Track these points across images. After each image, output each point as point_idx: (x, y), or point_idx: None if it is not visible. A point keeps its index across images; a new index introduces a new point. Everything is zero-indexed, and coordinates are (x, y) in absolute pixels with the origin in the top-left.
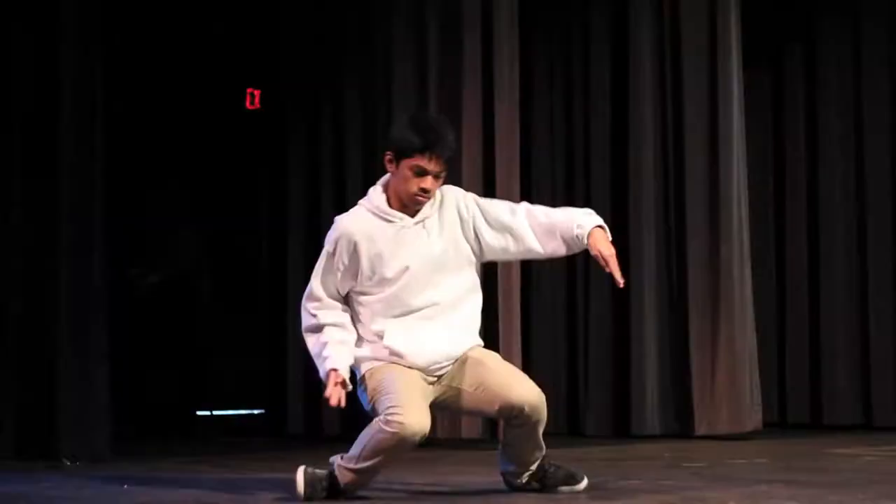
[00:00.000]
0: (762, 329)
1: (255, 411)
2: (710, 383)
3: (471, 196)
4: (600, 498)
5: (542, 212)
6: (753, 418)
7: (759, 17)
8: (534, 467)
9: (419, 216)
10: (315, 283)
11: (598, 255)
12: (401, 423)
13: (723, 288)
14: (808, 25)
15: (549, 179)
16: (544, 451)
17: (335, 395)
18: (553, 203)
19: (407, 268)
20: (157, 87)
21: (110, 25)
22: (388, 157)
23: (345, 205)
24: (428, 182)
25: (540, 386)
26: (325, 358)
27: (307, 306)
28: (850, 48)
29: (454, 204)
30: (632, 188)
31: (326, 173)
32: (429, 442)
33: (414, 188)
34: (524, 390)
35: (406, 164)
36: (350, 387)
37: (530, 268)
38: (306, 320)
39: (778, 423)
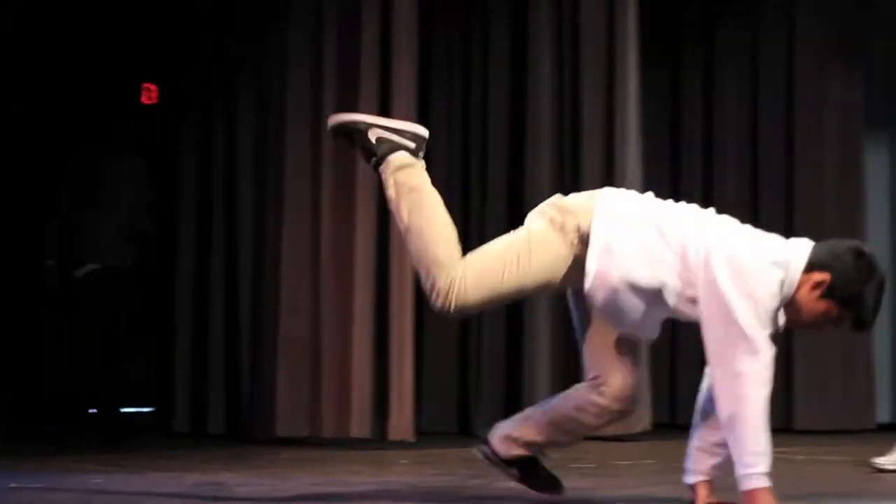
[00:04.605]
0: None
1: (145, 409)
2: None
3: None
4: None
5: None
6: (642, 420)
7: (658, 17)
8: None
9: None
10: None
11: None
12: None
13: None
14: (708, 27)
15: (445, 170)
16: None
17: None
18: (448, 188)
19: None
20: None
21: None
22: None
23: (235, 190)
24: None
25: None
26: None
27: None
28: (748, 52)
29: None
30: (527, 185)
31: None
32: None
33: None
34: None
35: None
36: None
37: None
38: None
39: (668, 423)
